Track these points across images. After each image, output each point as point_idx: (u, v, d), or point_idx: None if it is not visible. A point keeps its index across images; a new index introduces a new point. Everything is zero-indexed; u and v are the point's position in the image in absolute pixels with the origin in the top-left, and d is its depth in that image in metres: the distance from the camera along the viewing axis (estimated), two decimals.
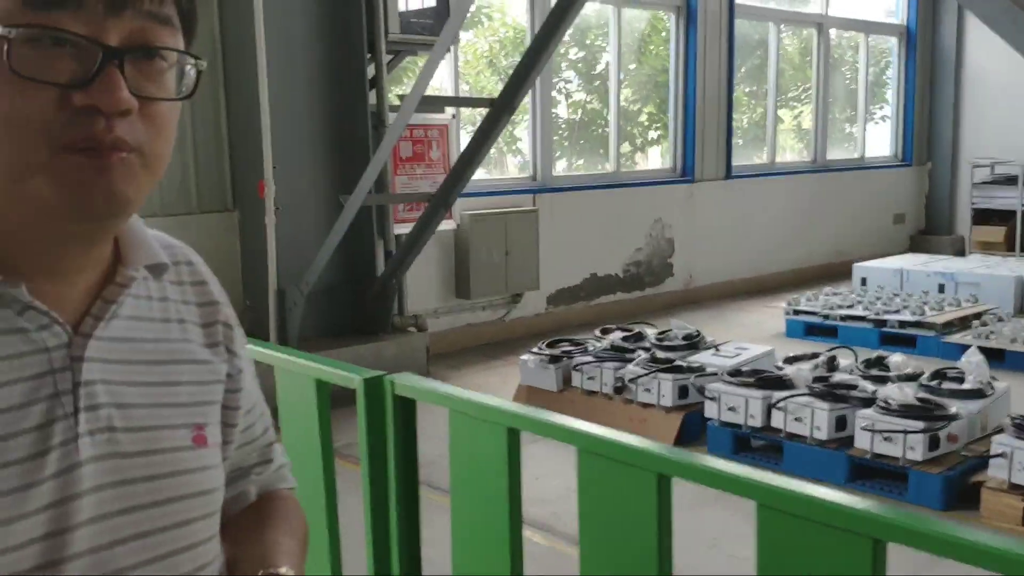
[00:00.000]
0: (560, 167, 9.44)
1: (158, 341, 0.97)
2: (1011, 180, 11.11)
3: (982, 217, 11.49)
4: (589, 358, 5.83)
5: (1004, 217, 11.31)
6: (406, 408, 1.79)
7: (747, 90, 11.18)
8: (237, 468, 1.14)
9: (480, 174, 8.72)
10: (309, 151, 6.42)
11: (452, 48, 7.62)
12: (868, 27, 12.10)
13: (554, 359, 5.94)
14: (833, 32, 11.65)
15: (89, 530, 0.85)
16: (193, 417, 0.97)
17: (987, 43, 12.16)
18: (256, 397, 1.15)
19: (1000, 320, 7.45)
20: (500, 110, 5.44)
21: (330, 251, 5.76)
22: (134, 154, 0.84)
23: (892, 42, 12.49)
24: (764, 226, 10.61)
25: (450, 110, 7.41)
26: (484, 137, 5.55)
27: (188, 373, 0.98)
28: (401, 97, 6.34)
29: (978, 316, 7.51)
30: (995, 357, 6.64)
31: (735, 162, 10.32)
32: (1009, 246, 11.10)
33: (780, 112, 11.50)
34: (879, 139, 12.70)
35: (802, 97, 11.80)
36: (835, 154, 11.94)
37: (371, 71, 6.56)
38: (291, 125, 6.28)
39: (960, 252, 11.91)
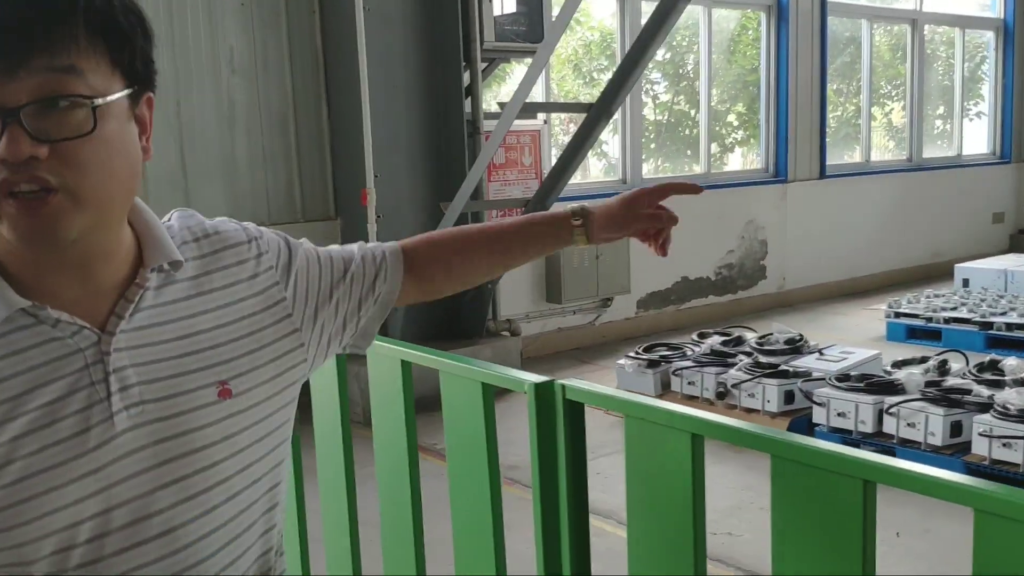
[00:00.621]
0: (646, 169, 9.40)
1: (184, 319, 1.14)
2: None
3: None
4: (689, 363, 5.80)
5: None
6: (575, 414, 1.82)
7: (834, 87, 10.96)
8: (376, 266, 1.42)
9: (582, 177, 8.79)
10: (407, 160, 6.54)
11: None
12: (963, 21, 11.72)
13: (652, 364, 5.93)
14: (927, 27, 11.33)
15: (131, 483, 1.06)
16: (218, 375, 1.13)
17: None
18: (344, 255, 1.40)
19: None
20: (597, 116, 5.46)
21: None
22: (61, 193, 0.98)
23: (988, 36, 12.07)
24: (858, 226, 10.38)
25: (541, 116, 7.46)
26: (581, 142, 5.58)
27: (214, 338, 1.15)
28: (502, 105, 6.40)
29: None
30: None
31: (829, 161, 10.13)
32: None
33: (872, 110, 11.24)
34: (975, 136, 12.29)
35: (893, 94, 11.51)
36: (930, 152, 11.61)
37: (466, 79, 6.65)
38: (391, 134, 6.41)
39: None
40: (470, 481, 2.00)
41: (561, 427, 1.78)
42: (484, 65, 6.81)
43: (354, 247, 1.43)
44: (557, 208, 1.44)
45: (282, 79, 6.40)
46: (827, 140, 10.42)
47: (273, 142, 6.38)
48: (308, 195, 6.50)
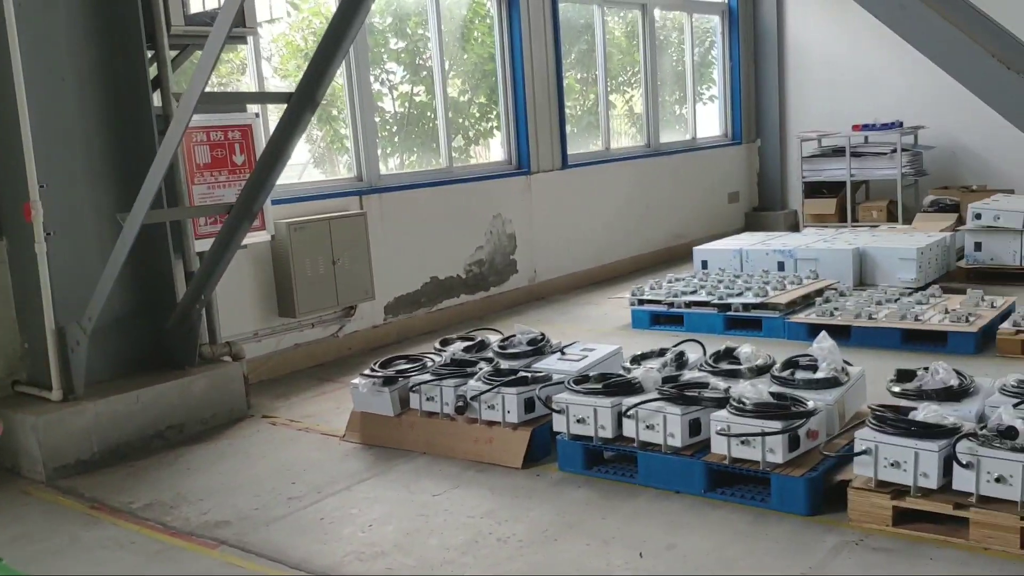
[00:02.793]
0: (393, 164, 8.83)
1: None
2: (838, 151, 11.34)
3: (813, 190, 11.69)
4: (427, 376, 5.28)
5: (833, 188, 11.55)
6: None
7: (579, 76, 10.90)
8: None
9: (309, 175, 8.03)
10: (84, 163, 5.55)
11: (253, 40, 6.88)
12: (691, 6, 12.07)
13: (388, 380, 5.36)
14: (657, 12, 11.53)
15: None
16: None
17: (806, 17, 12.43)
18: None
19: (842, 295, 7.42)
20: (300, 105, 4.79)
21: (112, 279, 4.94)
22: None
23: (715, 21, 12.54)
24: (603, 214, 10.37)
25: (252, 109, 6.66)
26: (285, 136, 4.89)
27: None
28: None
29: (820, 292, 7.46)
30: (841, 334, 6.57)
31: (571, 151, 10.01)
32: (840, 217, 11.34)
33: (612, 97, 11.30)
34: (709, 119, 12.75)
35: (632, 81, 11.65)
36: (668, 137, 11.87)
37: (154, 71, 5.75)
38: (60, 135, 5.40)
39: (794, 226, 12.11)
40: None
41: None
42: (175, 54, 5.93)
43: None
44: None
45: None
46: (570, 129, 10.33)
47: None
48: None
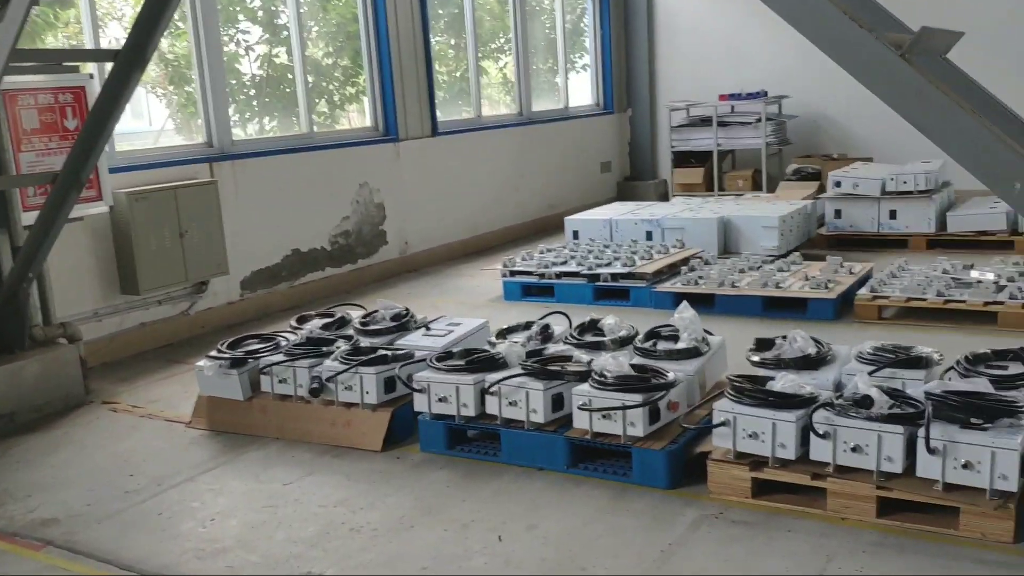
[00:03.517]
0: (252, 130, 8.34)
1: None
2: (706, 121, 11.46)
3: (681, 159, 11.81)
4: (279, 357, 4.96)
5: (701, 158, 11.69)
6: None
7: (452, 43, 10.59)
8: None
9: (169, 141, 7.46)
10: None
11: None
12: None
13: (236, 362, 5.01)
14: None
15: None
16: None
17: None
18: None
19: (706, 263, 7.47)
20: (128, 64, 4.36)
21: None
22: None
23: None
24: (476, 183, 10.16)
25: (87, 69, 6.10)
26: (112, 98, 4.45)
27: None
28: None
29: (685, 261, 7.49)
30: (705, 302, 6.61)
31: (442, 117, 9.73)
32: (708, 186, 11.50)
33: (485, 64, 11.06)
34: (582, 88, 12.69)
35: (505, 48, 11.43)
36: (542, 105, 11.74)
37: None
38: None
39: (664, 196, 12.23)
40: None
41: None
42: None
43: None
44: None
45: None
46: (442, 96, 10.04)
47: None
48: None
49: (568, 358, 4.44)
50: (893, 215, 8.53)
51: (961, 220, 8.30)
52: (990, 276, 6.22)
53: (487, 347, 4.79)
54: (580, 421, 4.10)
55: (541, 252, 8.08)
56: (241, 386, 4.98)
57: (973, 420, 3.36)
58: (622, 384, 4.03)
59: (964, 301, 5.97)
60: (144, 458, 4.73)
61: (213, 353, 5.14)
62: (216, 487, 4.32)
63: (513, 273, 7.63)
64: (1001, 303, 5.84)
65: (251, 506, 4.08)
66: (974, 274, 6.38)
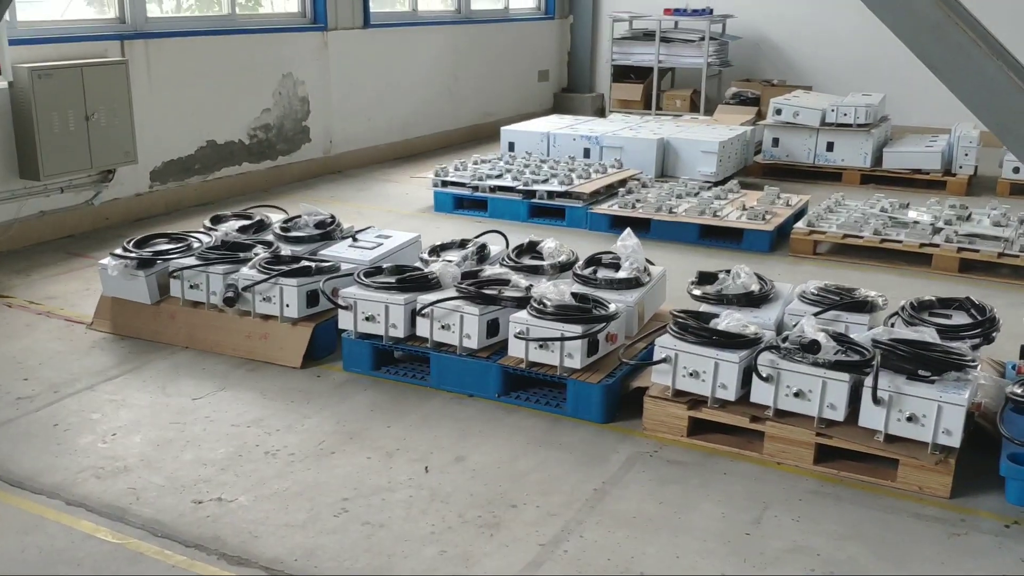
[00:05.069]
0: (169, 7, 7.65)
1: None
2: (649, 35, 11.12)
3: (621, 74, 11.48)
4: (191, 260, 4.59)
5: (641, 74, 11.38)
6: None
7: None
8: None
9: (80, 13, 6.74)
10: None
11: None
12: None
13: (144, 263, 4.62)
14: None
15: None
16: None
17: None
18: None
19: (644, 186, 7.28)
20: None
21: None
22: None
23: None
24: (409, 83, 9.67)
25: None
26: None
27: None
28: None
29: (623, 183, 7.28)
30: (642, 226, 6.44)
31: (375, 8, 9.14)
32: (646, 104, 11.24)
33: None
34: None
35: None
36: (481, 3, 11.18)
37: None
38: None
39: (601, 111, 11.92)
40: None
41: None
42: None
43: None
44: None
45: None
46: None
47: None
48: None
49: (506, 282, 4.20)
50: (830, 147, 8.45)
51: (897, 157, 8.28)
52: (927, 217, 6.20)
53: (419, 264, 4.52)
54: (516, 349, 3.90)
55: (475, 163, 7.75)
56: (148, 289, 4.61)
57: (921, 372, 3.28)
58: (562, 314, 3.83)
59: (900, 241, 5.94)
60: (40, 361, 4.35)
61: (119, 251, 4.72)
62: (118, 398, 4.00)
63: (445, 184, 7.30)
64: (936, 246, 5.83)
65: (157, 421, 3.78)
66: (911, 214, 6.35)
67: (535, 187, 6.95)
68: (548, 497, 3.26)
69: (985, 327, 3.80)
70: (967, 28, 2.09)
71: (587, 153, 8.10)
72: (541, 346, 3.82)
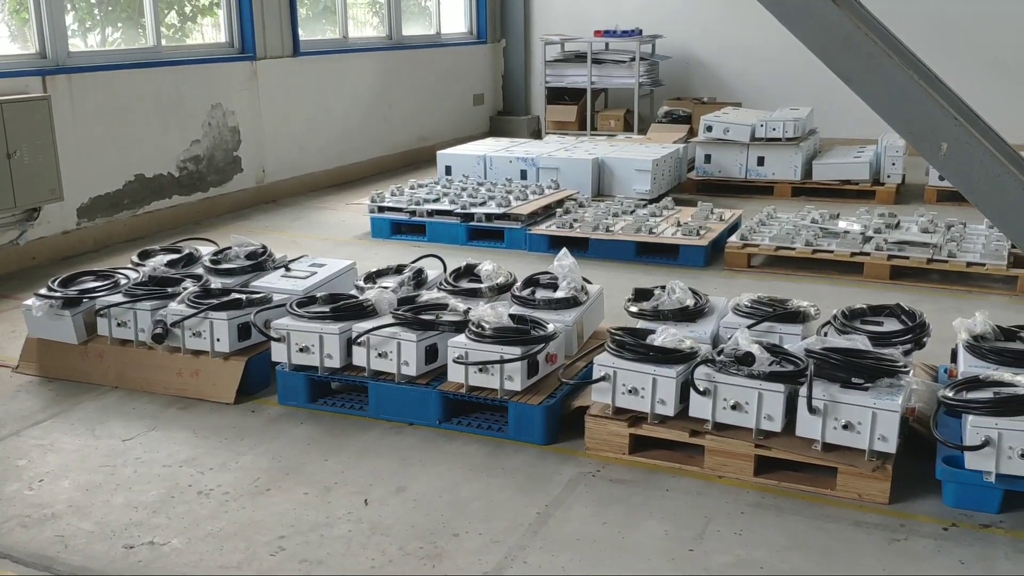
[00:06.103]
0: (94, 41, 7.48)
1: None
2: (580, 57, 11.23)
3: (555, 96, 11.56)
4: (118, 297, 4.46)
5: (575, 95, 11.48)
6: None
7: None
8: None
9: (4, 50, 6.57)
10: None
11: None
12: None
13: (69, 302, 4.48)
14: None
15: None
16: None
17: None
18: None
19: (581, 206, 7.31)
20: None
21: None
22: None
23: None
24: (342, 110, 9.61)
25: None
26: None
27: None
28: None
29: (560, 203, 7.30)
30: (580, 246, 6.47)
31: (305, 36, 9.08)
32: (581, 125, 11.33)
33: None
34: (455, 14, 12.18)
35: None
36: (412, 30, 11.19)
37: None
38: None
39: (537, 133, 11.99)
40: None
41: None
42: None
43: None
44: None
45: None
46: (305, 13, 9.36)
47: None
48: None
49: (443, 306, 4.16)
50: (761, 162, 8.60)
51: (827, 169, 8.46)
52: (857, 227, 6.33)
53: (354, 292, 4.46)
54: (455, 374, 3.85)
55: (412, 187, 7.72)
56: (75, 329, 4.46)
57: (854, 380, 3.32)
58: (500, 336, 3.80)
59: (832, 251, 6.05)
60: None
61: (43, 291, 4.57)
62: (46, 443, 3.85)
63: (382, 209, 7.24)
64: (867, 254, 5.95)
65: (86, 465, 3.65)
66: (842, 224, 6.48)
67: (473, 210, 6.93)
68: (491, 524, 3.21)
69: (916, 332, 3.87)
70: (877, 39, 2.14)
71: (524, 175, 8.12)
72: (481, 370, 3.79)
